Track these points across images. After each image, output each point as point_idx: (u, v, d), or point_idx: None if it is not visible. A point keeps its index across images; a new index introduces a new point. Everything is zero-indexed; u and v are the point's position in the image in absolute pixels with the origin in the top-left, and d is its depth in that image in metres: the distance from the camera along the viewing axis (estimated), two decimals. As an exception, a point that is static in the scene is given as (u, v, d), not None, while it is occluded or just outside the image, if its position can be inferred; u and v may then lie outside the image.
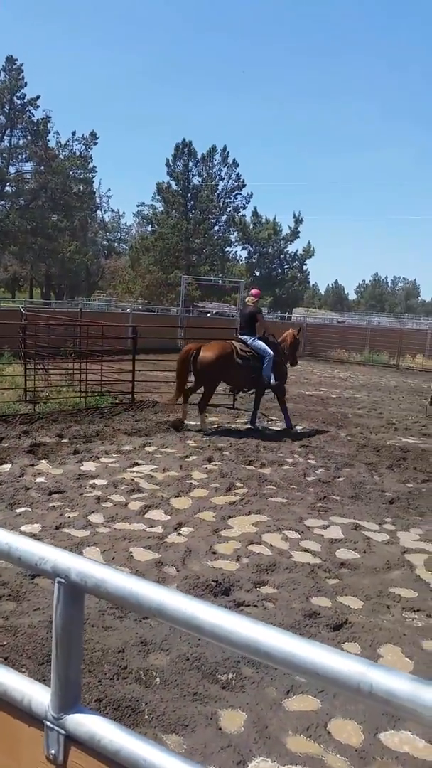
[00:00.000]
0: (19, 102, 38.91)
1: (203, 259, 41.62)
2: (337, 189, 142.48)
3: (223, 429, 9.16)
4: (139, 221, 52.87)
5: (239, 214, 44.06)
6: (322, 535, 5.15)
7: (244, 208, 44.12)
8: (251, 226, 44.67)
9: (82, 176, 42.95)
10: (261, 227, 44.51)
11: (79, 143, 42.60)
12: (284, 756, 2.61)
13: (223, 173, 42.86)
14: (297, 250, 45.70)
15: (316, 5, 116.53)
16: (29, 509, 5.32)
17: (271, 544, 4.87)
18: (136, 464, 6.96)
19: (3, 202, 39.63)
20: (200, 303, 41.75)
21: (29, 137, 39.87)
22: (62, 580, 0.99)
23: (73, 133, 42.47)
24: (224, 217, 43.64)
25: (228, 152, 42.66)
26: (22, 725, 1.07)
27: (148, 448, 7.75)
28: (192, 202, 42.07)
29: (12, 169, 40.30)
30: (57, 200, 40.58)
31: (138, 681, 3.05)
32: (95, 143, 42.91)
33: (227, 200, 43.41)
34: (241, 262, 46.46)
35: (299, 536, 5.09)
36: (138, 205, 51.17)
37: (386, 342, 25.10)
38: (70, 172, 41.86)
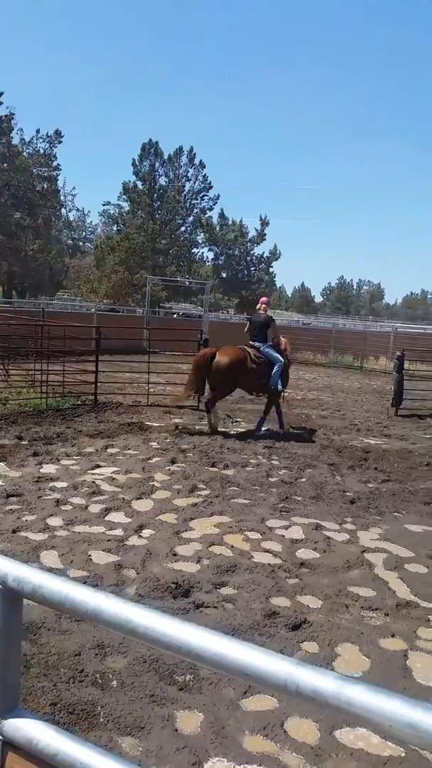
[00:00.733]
0: (-19, 98, 38.15)
1: (169, 260, 41.54)
2: (303, 192, 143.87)
3: (188, 431, 9.15)
4: (105, 220, 52.42)
5: (206, 216, 44.15)
6: (284, 536, 5.19)
7: (210, 209, 44.24)
8: (218, 228, 44.82)
9: (46, 174, 42.40)
10: (227, 229, 44.70)
11: (44, 141, 42.03)
12: (240, 756, 2.62)
13: (189, 174, 42.89)
14: (263, 252, 46.01)
15: (282, 13, 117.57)
16: (-14, 513, 5.22)
17: (232, 545, 4.89)
18: (98, 466, 6.91)
19: (-35, 200, 38.86)
20: (167, 304, 41.65)
21: (-8, 134, 39.17)
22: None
23: (38, 131, 41.90)
24: (191, 218, 43.66)
25: (195, 153, 42.72)
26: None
27: (110, 450, 7.69)
28: (158, 203, 41.96)
29: (-26, 166, 39.54)
30: (20, 198, 39.96)
31: (94, 684, 3.03)
32: (60, 141, 42.41)
33: (194, 201, 43.45)
34: (207, 264, 46.56)
35: (261, 537, 5.12)
36: (104, 204, 50.58)
37: (351, 344, 25.45)
38: (34, 170, 41.29)
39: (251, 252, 45.46)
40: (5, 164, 38.75)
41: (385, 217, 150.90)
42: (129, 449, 7.79)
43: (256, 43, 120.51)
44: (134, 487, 6.22)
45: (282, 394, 9.67)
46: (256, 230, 44.97)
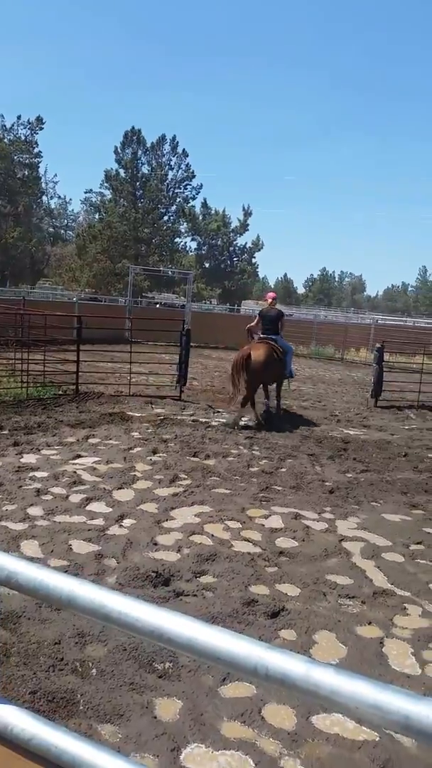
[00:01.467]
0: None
1: (152, 249, 41.30)
2: (286, 183, 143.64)
3: (170, 420, 9.15)
4: (87, 208, 52.05)
5: (189, 205, 43.94)
6: (263, 525, 5.24)
7: (193, 198, 44.03)
8: (201, 218, 44.65)
9: (27, 161, 41.82)
10: (210, 219, 44.56)
11: (25, 128, 41.40)
12: (218, 742, 2.66)
13: (172, 163, 42.60)
14: (246, 243, 45.97)
15: (268, 3, 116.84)
16: (-34, 502, 5.19)
17: (212, 534, 4.92)
18: (79, 456, 6.89)
19: None
20: (149, 294, 41.47)
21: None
22: (-25, 573, 0.98)
23: (18, 117, 41.23)
24: (173, 208, 43.41)
25: (177, 142, 42.41)
26: None
27: (91, 440, 7.68)
28: (141, 191, 41.64)
29: None
30: (0, 185, 39.41)
31: (74, 672, 3.04)
32: (41, 128, 41.81)
33: (177, 190, 43.18)
34: (190, 254, 46.37)
35: (240, 526, 5.16)
36: (85, 192, 50.22)
37: (332, 336, 25.59)
38: (15, 157, 40.69)
39: (234, 242, 45.41)
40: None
41: (367, 209, 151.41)
42: (110, 439, 7.78)
43: (241, 34, 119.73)
44: (115, 476, 6.22)
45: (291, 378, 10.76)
46: (239, 220, 44.91)
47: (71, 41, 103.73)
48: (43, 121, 41.68)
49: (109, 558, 4.34)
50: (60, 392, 10.61)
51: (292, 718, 2.84)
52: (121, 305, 28.21)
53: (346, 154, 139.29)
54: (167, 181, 42.38)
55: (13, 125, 41.05)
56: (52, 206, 53.52)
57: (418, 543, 5.06)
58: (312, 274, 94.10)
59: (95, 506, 5.40)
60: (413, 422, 10.97)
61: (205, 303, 42.18)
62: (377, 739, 2.71)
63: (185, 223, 44.61)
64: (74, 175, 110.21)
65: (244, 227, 44.81)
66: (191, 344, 11.72)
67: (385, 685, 0.77)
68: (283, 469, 7.02)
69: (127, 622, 0.80)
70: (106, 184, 42.51)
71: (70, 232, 54.07)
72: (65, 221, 56.40)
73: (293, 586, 4.14)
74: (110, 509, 5.34)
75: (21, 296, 22.10)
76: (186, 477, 6.41)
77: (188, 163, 42.72)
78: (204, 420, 9.42)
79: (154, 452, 7.29)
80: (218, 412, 10.31)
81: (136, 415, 9.38)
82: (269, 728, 2.77)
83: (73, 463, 6.60)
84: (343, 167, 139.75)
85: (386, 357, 12.77)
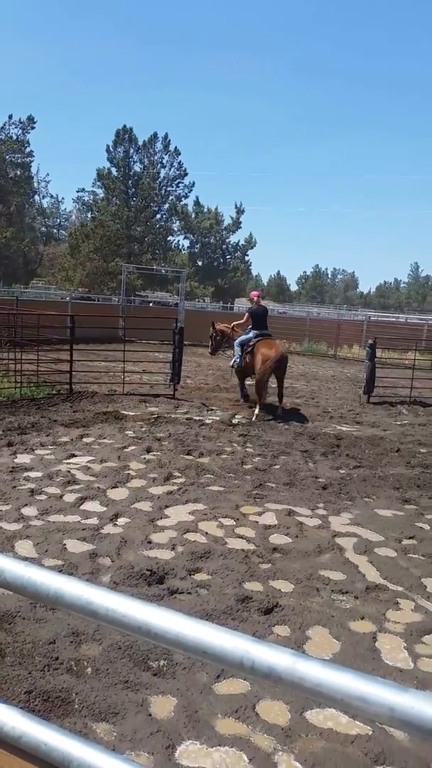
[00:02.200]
0: None
1: (145, 247, 41.25)
2: (278, 181, 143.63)
3: (163, 419, 9.15)
4: (79, 207, 51.89)
5: (181, 203, 43.91)
6: (257, 522, 5.25)
7: (186, 197, 44.04)
8: (193, 216, 44.62)
9: (19, 161, 41.70)
10: (203, 217, 44.54)
11: (16, 127, 41.31)
12: (213, 738, 2.67)
13: (164, 161, 42.55)
14: (239, 241, 45.99)
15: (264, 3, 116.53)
16: (-41, 503, 5.18)
17: (206, 532, 4.93)
18: (73, 456, 6.89)
19: None
20: (142, 292, 41.41)
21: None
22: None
23: (10, 117, 41.14)
24: (166, 206, 43.37)
25: (170, 140, 42.37)
26: None
27: (85, 440, 7.67)
28: (133, 190, 41.58)
29: None
30: (-8, 184, 39.28)
31: (69, 671, 3.05)
32: (33, 127, 41.71)
33: (169, 188, 43.17)
34: (183, 252, 46.34)
35: (234, 523, 5.17)
36: (78, 191, 50.03)
37: (325, 332, 25.64)
38: (7, 157, 40.57)
39: (227, 240, 45.41)
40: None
41: (358, 207, 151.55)
42: (104, 438, 7.78)
43: (232, 32, 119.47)
44: (109, 475, 6.22)
45: None
46: (232, 218, 44.90)
47: (63, 41, 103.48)
48: (35, 120, 41.66)
49: (103, 557, 4.34)
50: (54, 392, 10.60)
51: (286, 714, 2.85)
52: (115, 304, 28.17)
53: (338, 150, 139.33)
54: (159, 180, 42.34)
55: (4, 125, 41.01)
56: (45, 206, 53.46)
57: (410, 538, 5.09)
58: (305, 272, 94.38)
59: (89, 505, 5.40)
60: (405, 418, 11.01)
61: (199, 301, 42.19)
62: (370, 733, 2.73)
63: (178, 222, 44.60)
64: (66, 174, 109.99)
65: (236, 225, 44.81)
66: (185, 342, 11.74)
67: (370, 677, 0.78)
68: (277, 466, 7.04)
69: (115, 618, 0.81)
70: (98, 183, 42.49)
71: (63, 232, 53.90)
72: (58, 220, 56.24)
73: (287, 582, 4.16)
74: (104, 508, 5.34)
75: (14, 296, 22.01)
76: (180, 475, 6.42)
77: (180, 161, 42.74)
78: (198, 418, 9.43)
79: (148, 451, 7.29)
80: (212, 410, 10.31)
81: (130, 413, 9.38)
82: (263, 724, 2.78)
83: (67, 463, 6.60)
84: (335, 163, 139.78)
85: (378, 353, 12.80)
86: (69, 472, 6.26)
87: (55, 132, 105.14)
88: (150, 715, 2.79)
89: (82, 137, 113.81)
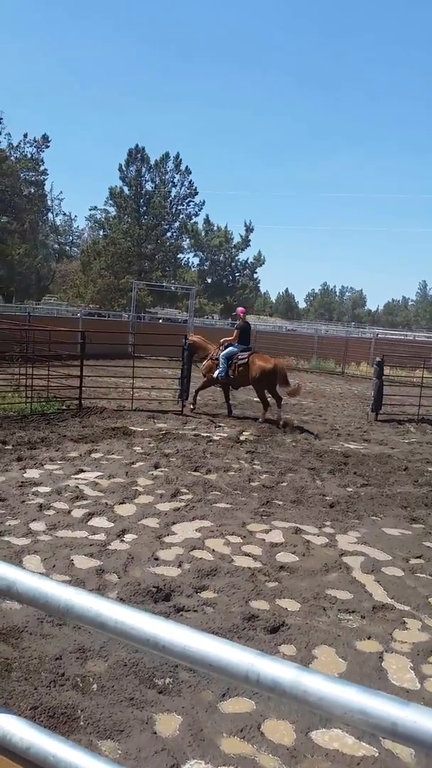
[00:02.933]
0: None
1: (155, 264, 41.62)
2: (287, 199, 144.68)
3: (171, 435, 9.17)
4: (91, 225, 52.48)
5: (191, 221, 44.35)
6: (264, 540, 5.24)
7: (196, 215, 44.48)
8: (203, 234, 44.98)
9: (33, 179, 42.33)
10: (213, 235, 44.90)
11: (31, 146, 41.99)
12: (218, 758, 2.66)
13: (175, 180, 43.05)
14: (248, 258, 46.28)
15: (276, 18, 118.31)
16: (-32, 517, 5.21)
17: (213, 549, 4.92)
18: (81, 471, 6.91)
19: None
20: (152, 309, 41.66)
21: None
22: (-23, 584, 1.01)
23: (25, 135, 41.87)
24: (176, 224, 43.81)
25: (181, 159, 42.90)
26: None
27: (94, 455, 7.70)
28: (144, 208, 42.05)
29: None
30: (7, 202, 39.85)
31: (75, 688, 3.04)
32: (47, 146, 42.38)
33: (180, 207, 43.63)
34: (192, 269, 46.68)
35: (241, 541, 5.16)
36: (90, 209, 50.63)
37: (333, 350, 25.65)
38: (21, 175, 41.20)
39: (236, 258, 45.70)
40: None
41: (367, 225, 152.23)
42: (113, 454, 7.80)
43: (247, 50, 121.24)
44: (117, 491, 6.23)
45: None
46: (241, 236, 45.21)
47: (78, 61, 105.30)
48: (49, 139, 42.33)
49: (110, 573, 4.35)
50: (63, 407, 10.65)
51: (292, 734, 2.84)
52: (125, 320, 28.35)
53: (347, 168, 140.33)
54: (170, 198, 42.83)
55: (19, 143, 41.71)
56: (58, 223, 54.06)
57: (417, 557, 5.06)
58: (313, 289, 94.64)
59: (97, 521, 5.41)
60: (413, 436, 10.97)
61: (207, 318, 42.34)
62: (377, 754, 2.70)
63: (188, 239, 44.99)
64: (79, 193, 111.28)
65: (245, 243, 45.11)
66: (193, 359, 11.80)
67: (373, 691, 0.80)
68: (284, 484, 7.03)
69: (123, 630, 0.83)
70: (110, 201, 43.01)
71: (75, 249, 54.46)
72: (70, 238, 56.85)
73: (293, 601, 4.14)
74: (112, 524, 5.35)
75: (26, 312, 22.22)
76: (187, 491, 6.42)
77: (191, 180, 43.26)
78: (205, 434, 9.44)
79: (156, 467, 7.30)
80: (220, 426, 10.32)
81: (139, 429, 9.40)
82: (268, 744, 2.76)
83: (76, 478, 6.62)
84: (343, 181, 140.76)
85: (386, 371, 12.81)
86: (77, 487, 6.28)
87: (69, 151, 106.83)
88: (155, 733, 2.78)
89: (96, 156, 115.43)
